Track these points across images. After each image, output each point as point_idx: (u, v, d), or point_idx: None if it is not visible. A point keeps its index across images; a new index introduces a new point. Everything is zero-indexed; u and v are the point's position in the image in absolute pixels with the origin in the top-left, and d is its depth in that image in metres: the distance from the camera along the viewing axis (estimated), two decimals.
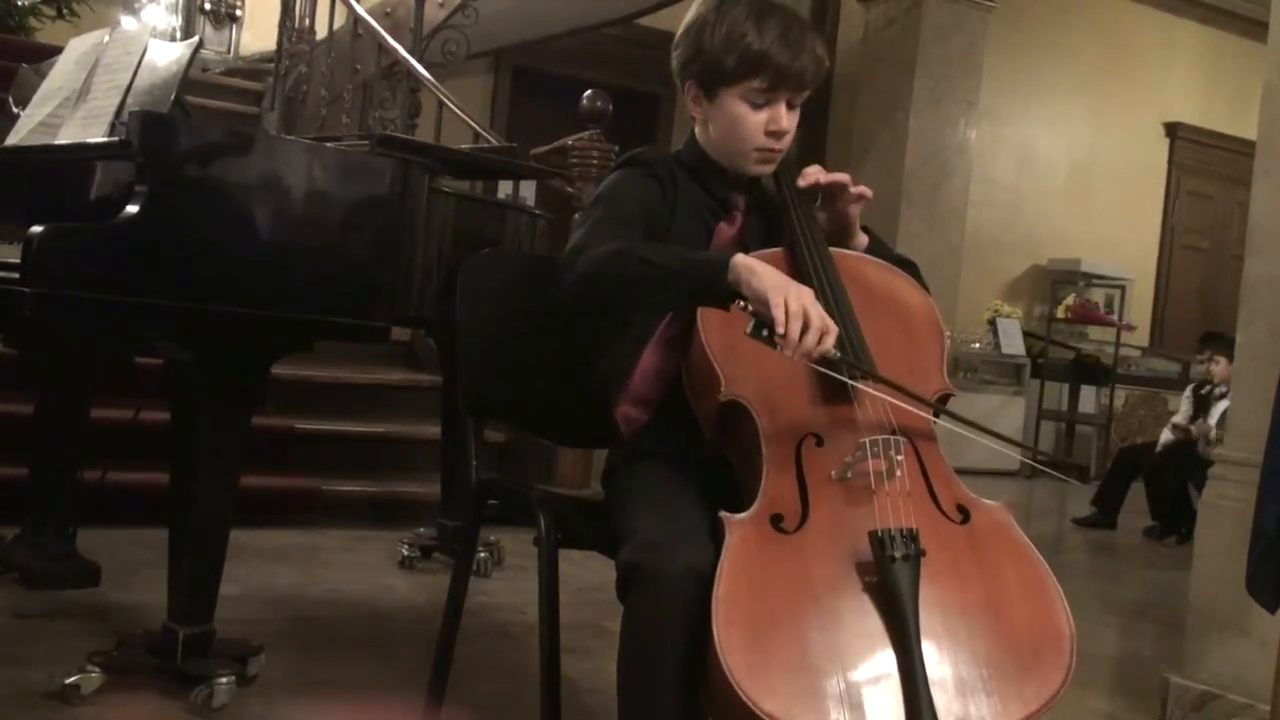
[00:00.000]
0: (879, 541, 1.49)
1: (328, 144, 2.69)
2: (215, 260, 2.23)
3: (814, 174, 1.87)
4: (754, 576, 1.48)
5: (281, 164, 2.33)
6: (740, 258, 1.59)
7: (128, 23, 7.09)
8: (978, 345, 9.12)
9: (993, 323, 9.22)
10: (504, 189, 5.05)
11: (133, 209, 2.13)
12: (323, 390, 4.70)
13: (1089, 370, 9.31)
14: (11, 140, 2.58)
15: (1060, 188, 9.88)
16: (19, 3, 6.55)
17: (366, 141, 2.94)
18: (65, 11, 6.67)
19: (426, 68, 5.18)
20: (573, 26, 7.02)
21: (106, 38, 2.56)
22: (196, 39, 2.65)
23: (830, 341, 1.53)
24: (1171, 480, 6.28)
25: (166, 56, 2.46)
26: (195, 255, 2.21)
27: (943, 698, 1.42)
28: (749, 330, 1.53)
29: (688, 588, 1.48)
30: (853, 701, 1.40)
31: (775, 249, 1.80)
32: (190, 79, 2.65)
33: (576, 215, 4.48)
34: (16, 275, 2.03)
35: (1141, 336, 10.29)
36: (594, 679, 2.65)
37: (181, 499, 2.35)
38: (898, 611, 1.45)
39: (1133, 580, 5.42)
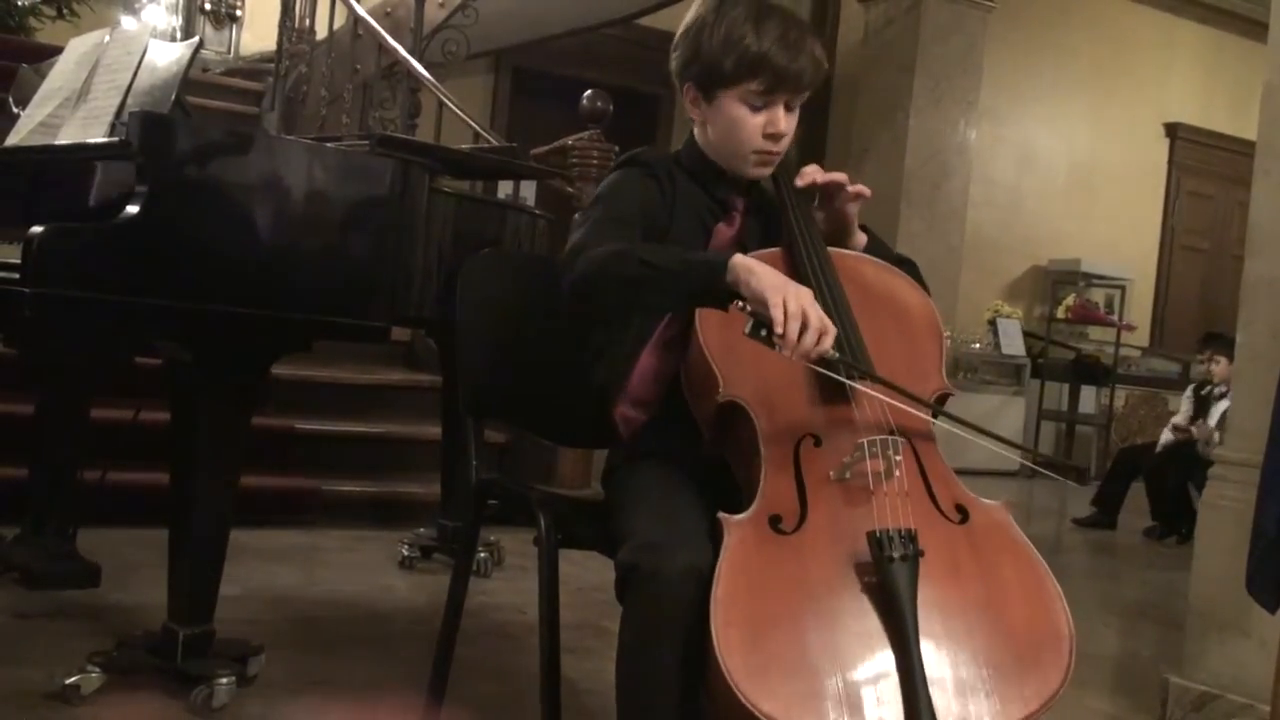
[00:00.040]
0: (877, 542, 1.49)
1: (328, 144, 2.69)
2: (215, 260, 2.24)
3: (811, 173, 1.87)
4: (753, 577, 1.48)
5: (281, 164, 2.33)
6: (739, 258, 1.59)
7: (128, 23, 7.09)
8: (978, 345, 9.13)
9: (993, 323, 9.22)
10: (504, 189, 5.05)
11: (133, 209, 2.13)
12: (323, 390, 4.70)
13: (1089, 370, 9.32)
14: (11, 140, 2.58)
15: (1060, 188, 9.88)
16: (19, 3, 6.55)
17: (366, 141, 2.94)
18: (65, 11, 6.68)
19: (426, 68, 5.18)
20: (573, 27, 7.02)
21: (106, 38, 2.56)
22: (197, 39, 2.65)
23: (829, 342, 1.53)
24: (1171, 480, 6.28)
25: (166, 57, 2.46)
26: (195, 255, 2.21)
27: (942, 698, 1.42)
28: (747, 330, 1.53)
29: (687, 588, 1.48)
30: (852, 702, 1.40)
31: (773, 249, 1.80)
32: (190, 79, 2.65)
33: (576, 215, 4.48)
34: (16, 275, 2.03)
35: (1141, 337, 10.29)
36: (594, 679, 2.65)
37: (181, 499, 2.35)
38: (896, 612, 1.45)
39: (1133, 580, 5.42)
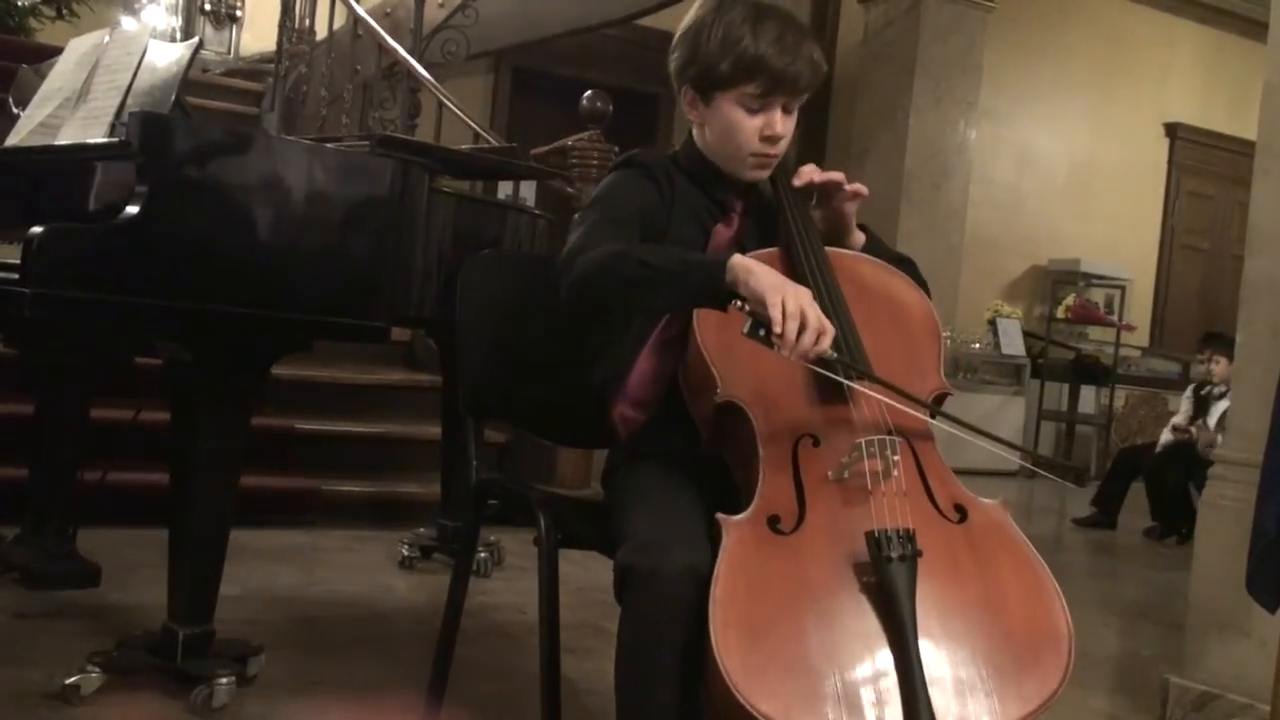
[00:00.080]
0: (876, 542, 1.49)
1: (328, 144, 2.69)
2: (215, 260, 2.24)
3: (809, 173, 1.87)
4: (751, 578, 1.48)
5: (281, 164, 2.33)
6: (738, 258, 1.59)
7: (128, 23, 7.09)
8: (978, 345, 9.13)
9: (993, 323, 9.22)
10: (504, 189, 5.05)
11: (132, 209, 2.13)
12: (323, 390, 4.70)
13: (1089, 370, 9.32)
14: (11, 141, 2.58)
15: (1060, 188, 9.88)
16: (19, 3, 6.55)
17: (366, 142, 2.94)
18: (65, 12, 6.67)
19: (426, 68, 5.19)
20: (573, 27, 7.02)
21: (106, 38, 2.56)
22: (196, 39, 2.65)
23: (827, 342, 1.53)
24: (1171, 480, 6.28)
25: (166, 57, 2.46)
26: (195, 256, 2.21)
27: (941, 697, 1.42)
28: (746, 330, 1.54)
29: (685, 588, 1.48)
30: (850, 702, 1.40)
31: (770, 249, 1.80)
32: (190, 79, 2.65)
33: (576, 216, 4.48)
34: (16, 275, 2.03)
35: (1141, 337, 10.29)
36: (594, 679, 2.65)
37: (181, 499, 2.35)
38: (895, 612, 1.45)
39: (1133, 580, 5.42)
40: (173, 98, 2.38)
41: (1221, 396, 6.13)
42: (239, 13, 7.69)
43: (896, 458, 1.58)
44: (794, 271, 1.73)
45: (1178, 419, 6.67)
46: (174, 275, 2.18)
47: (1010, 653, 1.48)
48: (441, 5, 6.15)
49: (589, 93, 4.98)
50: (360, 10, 5.49)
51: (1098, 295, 9.87)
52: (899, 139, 7.95)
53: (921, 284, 1.90)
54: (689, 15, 1.85)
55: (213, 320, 2.24)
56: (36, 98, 2.63)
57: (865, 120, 8.22)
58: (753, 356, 1.61)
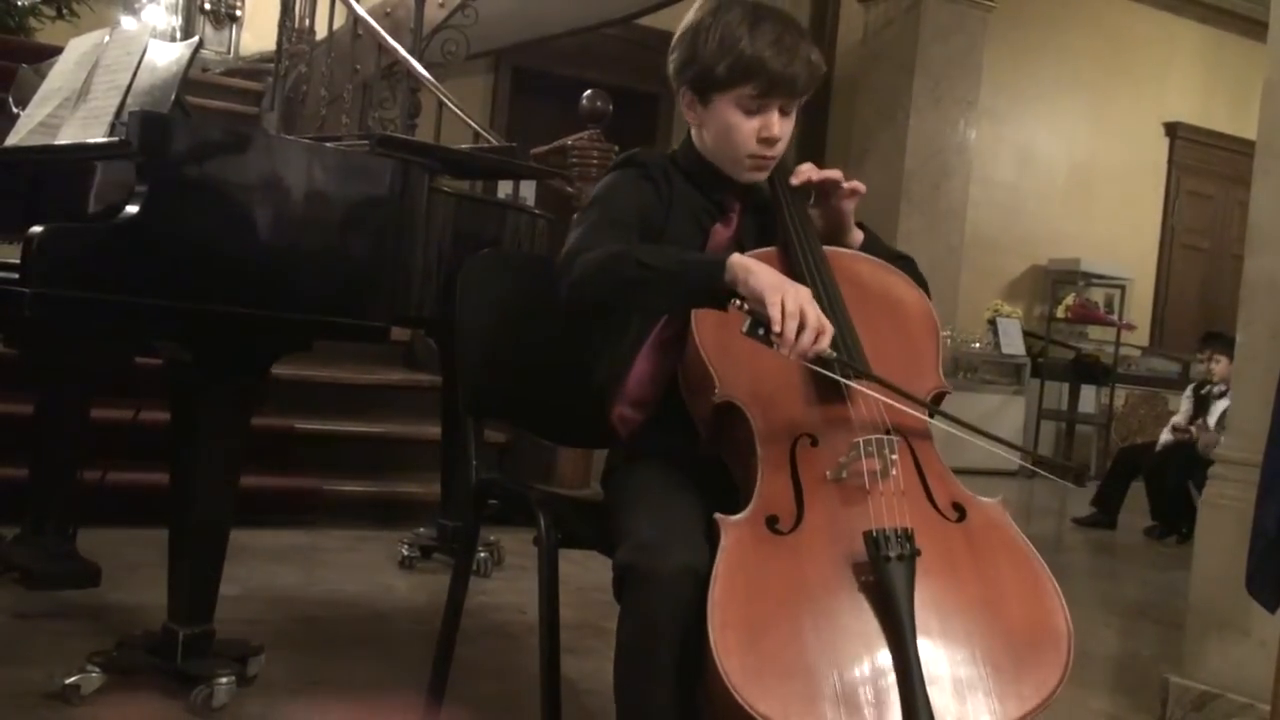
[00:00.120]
0: (874, 541, 1.49)
1: (328, 144, 2.69)
2: (215, 260, 2.24)
3: (806, 171, 1.87)
4: (749, 578, 1.48)
5: (281, 164, 2.33)
6: (737, 257, 1.59)
7: (128, 23, 7.09)
8: (978, 345, 9.12)
9: (993, 323, 9.22)
10: (504, 189, 5.05)
11: (132, 209, 2.13)
12: (323, 390, 4.70)
13: (1089, 370, 9.32)
14: (11, 140, 2.58)
15: (1060, 188, 9.88)
16: (19, 3, 6.55)
17: (366, 141, 2.94)
18: (65, 11, 6.67)
19: (426, 68, 5.18)
20: (573, 26, 7.02)
21: (106, 38, 2.56)
22: (196, 39, 2.65)
23: (826, 341, 1.53)
24: (1171, 480, 6.28)
25: (166, 57, 2.46)
26: (195, 255, 2.21)
27: (940, 697, 1.42)
28: (745, 329, 1.54)
29: (683, 588, 1.48)
30: (849, 702, 1.40)
31: (768, 248, 1.80)
32: (190, 79, 2.65)
33: (575, 216, 4.48)
34: (16, 275, 2.03)
35: (1141, 336, 10.29)
36: (594, 679, 2.65)
37: (181, 499, 2.35)
38: (893, 611, 1.45)
39: (1133, 580, 5.42)
40: (172, 97, 2.38)
41: (1221, 396, 6.13)
42: (239, 12, 7.69)
43: (895, 457, 1.58)
44: (792, 270, 1.73)
45: (1178, 419, 6.67)
46: (174, 275, 2.18)
47: (1009, 652, 1.48)
48: (441, 5, 6.15)
49: (589, 92, 4.98)
50: (360, 10, 5.49)
51: (1098, 295, 9.87)
52: (899, 139, 7.95)
53: (920, 282, 1.90)
54: (687, 16, 1.85)
55: (213, 320, 2.24)
56: (36, 97, 2.63)
57: (865, 120, 8.22)
58: (751, 356, 1.61)
